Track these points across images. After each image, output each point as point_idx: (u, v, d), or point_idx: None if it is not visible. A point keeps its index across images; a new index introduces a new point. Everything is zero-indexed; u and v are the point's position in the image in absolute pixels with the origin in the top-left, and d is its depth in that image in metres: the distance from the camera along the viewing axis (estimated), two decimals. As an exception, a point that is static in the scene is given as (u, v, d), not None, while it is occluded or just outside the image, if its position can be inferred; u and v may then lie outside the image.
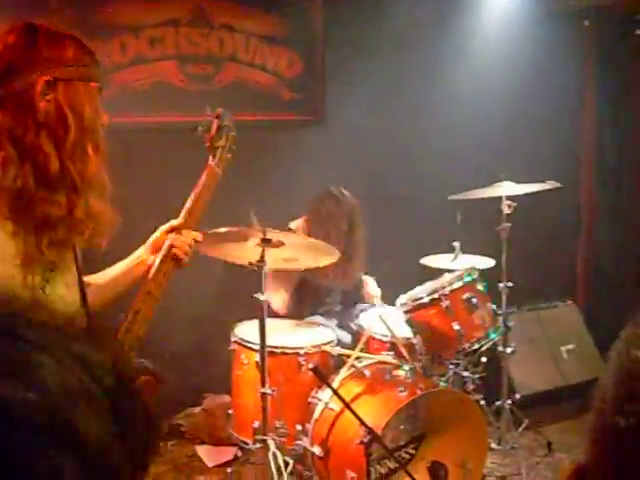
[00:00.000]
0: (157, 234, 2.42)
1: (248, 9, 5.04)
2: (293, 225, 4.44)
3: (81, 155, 1.93)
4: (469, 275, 3.91)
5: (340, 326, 4.40)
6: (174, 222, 2.44)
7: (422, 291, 3.92)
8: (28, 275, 1.87)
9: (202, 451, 4.54)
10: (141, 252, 2.41)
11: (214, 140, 2.63)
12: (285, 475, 3.52)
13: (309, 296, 4.45)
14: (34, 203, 1.85)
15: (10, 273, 1.84)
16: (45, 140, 1.87)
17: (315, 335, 4.00)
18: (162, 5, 4.79)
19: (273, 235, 3.34)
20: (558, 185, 4.31)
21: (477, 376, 4.17)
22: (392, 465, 3.67)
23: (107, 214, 2.03)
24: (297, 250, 3.61)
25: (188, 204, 2.49)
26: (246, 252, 3.42)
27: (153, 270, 2.32)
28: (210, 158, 2.62)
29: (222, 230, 3.31)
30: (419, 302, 3.83)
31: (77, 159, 1.92)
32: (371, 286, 4.59)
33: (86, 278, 2.28)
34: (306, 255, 3.70)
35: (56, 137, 1.89)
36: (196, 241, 2.41)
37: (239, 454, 4.19)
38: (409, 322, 3.89)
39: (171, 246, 2.35)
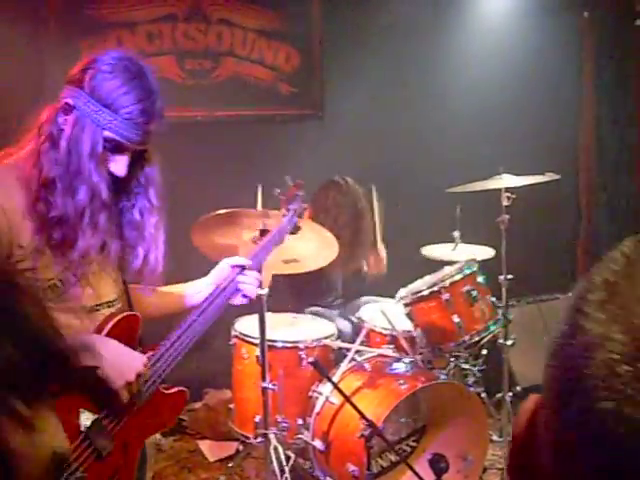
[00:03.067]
0: (223, 266, 2.47)
1: (245, 4, 5.04)
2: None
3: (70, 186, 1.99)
4: (469, 267, 3.91)
5: (342, 316, 4.40)
6: (241, 260, 2.48)
7: (422, 284, 3.92)
8: None
9: (204, 446, 4.55)
10: (202, 285, 2.46)
11: (290, 202, 2.90)
12: (286, 469, 3.53)
13: (310, 285, 4.43)
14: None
15: None
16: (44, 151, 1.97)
17: (315, 329, 3.99)
18: (159, 1, 4.79)
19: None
20: (557, 177, 4.31)
21: (478, 368, 4.17)
22: (393, 458, 3.68)
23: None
24: (297, 248, 3.58)
25: (256, 249, 2.61)
26: (244, 248, 3.41)
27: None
28: (283, 215, 2.86)
29: (221, 212, 3.34)
30: (419, 295, 3.83)
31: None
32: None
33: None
34: (307, 254, 3.69)
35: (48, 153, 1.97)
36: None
37: (240, 448, 4.20)
38: (409, 315, 3.88)
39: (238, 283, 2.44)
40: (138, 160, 2.14)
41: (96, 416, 2.00)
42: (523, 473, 0.66)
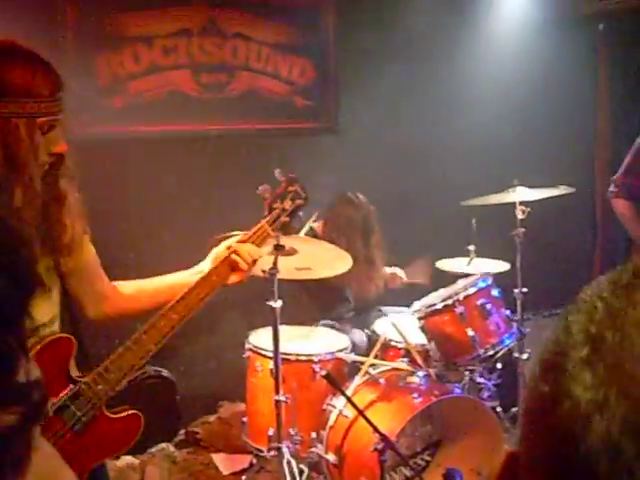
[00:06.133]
0: (220, 248, 2.39)
1: (260, 18, 5.07)
2: (314, 225, 4.43)
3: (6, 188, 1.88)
4: (483, 281, 3.90)
5: (356, 327, 4.39)
6: (237, 237, 2.39)
7: (436, 297, 3.91)
8: None
9: (217, 459, 4.54)
10: (203, 266, 2.38)
11: (275, 201, 2.57)
12: (300, 483, 3.52)
13: (324, 297, 4.43)
14: None
15: None
16: None
17: (329, 342, 3.99)
18: (174, 16, 4.82)
19: (287, 241, 3.34)
20: (571, 190, 4.29)
21: (492, 382, 4.14)
22: (408, 473, 3.66)
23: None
24: (310, 258, 3.60)
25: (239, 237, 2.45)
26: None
27: (198, 279, 2.30)
28: (266, 215, 2.55)
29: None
30: (433, 308, 3.82)
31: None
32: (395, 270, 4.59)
33: (123, 283, 2.34)
34: (319, 263, 3.70)
35: None
36: (255, 261, 2.38)
37: (254, 462, 4.19)
38: (423, 328, 3.88)
39: (232, 252, 2.33)
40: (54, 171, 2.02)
41: None
42: None
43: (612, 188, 4.34)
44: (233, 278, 2.36)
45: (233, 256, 2.33)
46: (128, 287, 2.35)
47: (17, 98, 1.86)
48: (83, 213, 2.11)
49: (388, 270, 4.63)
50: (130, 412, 2.16)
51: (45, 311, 2.03)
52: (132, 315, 2.35)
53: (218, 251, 2.39)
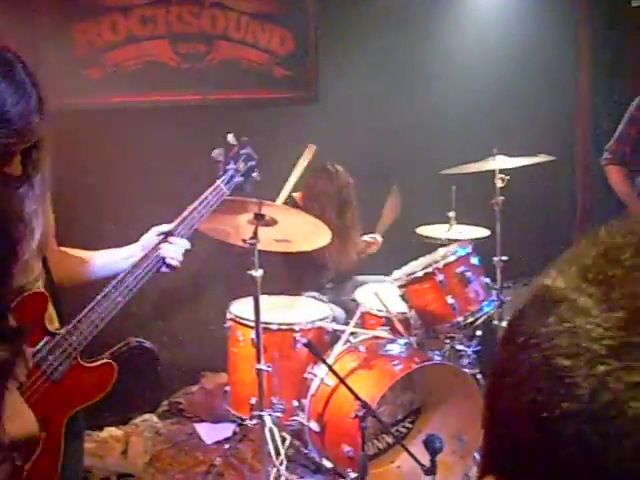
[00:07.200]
0: (148, 236, 2.44)
1: (239, -14, 5.02)
2: (295, 196, 4.44)
3: None
4: (463, 249, 3.92)
5: (333, 302, 4.40)
6: (166, 226, 2.44)
7: (416, 265, 3.92)
8: None
9: (201, 429, 4.57)
10: (134, 250, 2.43)
11: (228, 162, 2.71)
12: (282, 451, 3.55)
13: (306, 270, 4.45)
14: None
15: None
16: None
17: (310, 311, 4.00)
18: (152, -16, 4.76)
19: (267, 211, 3.35)
20: (551, 158, 4.32)
21: (472, 349, 4.18)
22: (389, 440, 3.70)
23: None
24: (290, 230, 3.61)
25: (184, 213, 2.50)
26: (239, 229, 3.43)
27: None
28: (219, 176, 2.67)
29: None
30: (413, 276, 3.83)
31: None
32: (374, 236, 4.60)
33: (82, 253, 2.41)
34: (299, 236, 3.70)
35: None
36: (185, 250, 2.45)
37: (237, 431, 4.22)
38: (403, 297, 3.89)
39: (162, 258, 2.39)
40: (29, 148, 2.02)
41: None
42: None
43: (605, 155, 4.45)
44: (164, 269, 2.43)
45: (161, 252, 2.40)
46: (71, 259, 2.41)
47: None
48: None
49: (367, 238, 4.65)
50: (104, 361, 2.31)
51: (28, 271, 2.13)
52: (72, 284, 2.40)
53: (146, 238, 2.44)
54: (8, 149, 1.92)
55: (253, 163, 2.76)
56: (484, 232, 4.37)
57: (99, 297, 2.26)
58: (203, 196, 2.56)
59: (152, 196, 4.58)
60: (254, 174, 2.77)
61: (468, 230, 4.43)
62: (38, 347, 2.15)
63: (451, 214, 4.41)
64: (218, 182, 2.64)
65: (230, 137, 2.79)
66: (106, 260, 2.42)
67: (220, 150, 2.73)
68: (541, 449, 0.50)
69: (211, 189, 2.60)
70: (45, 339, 2.16)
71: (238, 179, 2.70)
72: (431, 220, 4.59)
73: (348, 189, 4.47)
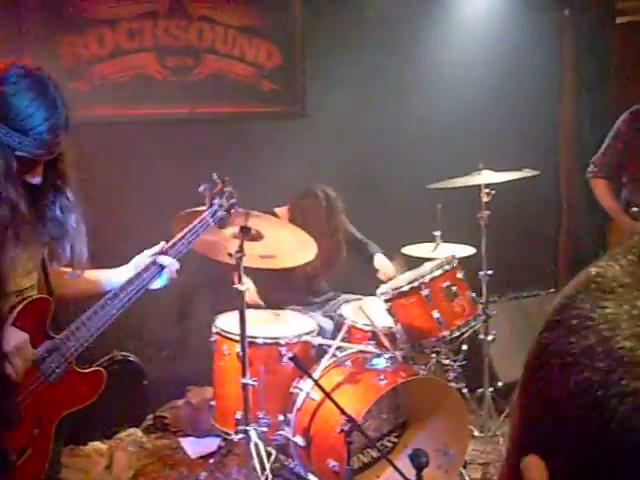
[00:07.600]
0: (140, 257, 2.60)
1: (226, 1, 5.03)
2: (278, 211, 4.44)
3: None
4: (448, 263, 3.92)
5: (324, 315, 4.40)
6: (157, 248, 2.61)
7: (402, 280, 3.93)
8: None
9: (185, 443, 4.54)
10: (128, 268, 2.59)
11: (213, 197, 2.91)
12: (268, 465, 3.53)
13: (290, 283, 4.43)
14: None
15: None
16: None
17: (296, 325, 4.00)
18: (140, -3, 4.77)
19: (254, 223, 3.35)
20: (536, 173, 4.35)
21: (458, 364, 4.18)
22: (375, 454, 3.69)
23: None
24: (275, 245, 3.61)
25: (174, 239, 2.68)
26: (226, 242, 3.43)
27: None
28: (206, 209, 2.86)
29: (201, 209, 3.30)
30: (399, 291, 3.84)
31: None
32: (385, 265, 4.56)
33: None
34: (283, 252, 3.70)
35: None
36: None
37: (222, 445, 4.20)
38: (390, 311, 3.89)
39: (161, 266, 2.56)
40: (53, 161, 2.26)
41: None
42: None
43: (591, 168, 4.51)
44: (157, 283, 2.60)
45: (158, 259, 2.57)
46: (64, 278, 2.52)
47: (9, 128, 2.08)
48: None
49: (389, 263, 4.57)
50: (95, 368, 2.50)
51: (27, 278, 2.32)
52: (69, 299, 2.58)
53: (138, 259, 2.60)
54: (36, 160, 2.13)
55: (234, 201, 2.96)
56: (470, 250, 4.37)
57: (96, 307, 2.40)
58: (191, 225, 2.72)
59: (136, 210, 4.57)
60: (233, 211, 2.98)
61: (454, 249, 4.40)
62: (39, 349, 2.29)
63: (437, 233, 4.38)
64: (205, 214, 2.81)
65: (215, 176, 2.97)
66: (101, 277, 2.58)
67: (206, 185, 2.92)
68: (591, 427, 0.52)
69: (198, 220, 2.76)
70: (46, 342, 2.32)
71: (222, 213, 2.89)
72: (417, 239, 4.56)
73: (335, 210, 4.47)
